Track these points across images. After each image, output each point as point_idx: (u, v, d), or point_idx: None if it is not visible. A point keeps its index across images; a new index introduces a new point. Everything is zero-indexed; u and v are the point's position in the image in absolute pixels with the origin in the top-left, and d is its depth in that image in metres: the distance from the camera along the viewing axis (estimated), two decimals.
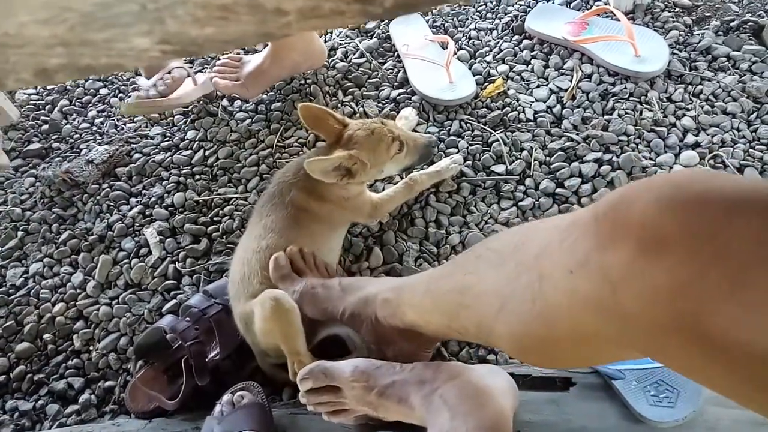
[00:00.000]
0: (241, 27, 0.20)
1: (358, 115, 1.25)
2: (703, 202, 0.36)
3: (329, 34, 1.46)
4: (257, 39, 0.21)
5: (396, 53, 1.37)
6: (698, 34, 1.25)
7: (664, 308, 0.37)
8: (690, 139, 1.10)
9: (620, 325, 0.41)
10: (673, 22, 1.28)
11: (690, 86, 1.17)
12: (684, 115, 1.13)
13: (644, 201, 0.39)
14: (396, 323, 0.75)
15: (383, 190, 1.09)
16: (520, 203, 1.07)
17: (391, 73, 1.33)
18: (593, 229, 0.42)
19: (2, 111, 1.42)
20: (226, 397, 0.85)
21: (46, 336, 1.08)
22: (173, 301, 1.06)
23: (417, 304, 0.71)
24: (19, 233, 1.23)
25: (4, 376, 1.05)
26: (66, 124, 1.43)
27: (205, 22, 0.20)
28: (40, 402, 1.01)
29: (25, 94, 1.50)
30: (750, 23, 1.24)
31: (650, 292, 0.37)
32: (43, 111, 1.46)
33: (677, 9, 1.32)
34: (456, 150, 1.15)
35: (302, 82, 1.35)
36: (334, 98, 1.31)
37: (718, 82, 1.16)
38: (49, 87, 1.51)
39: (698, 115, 1.12)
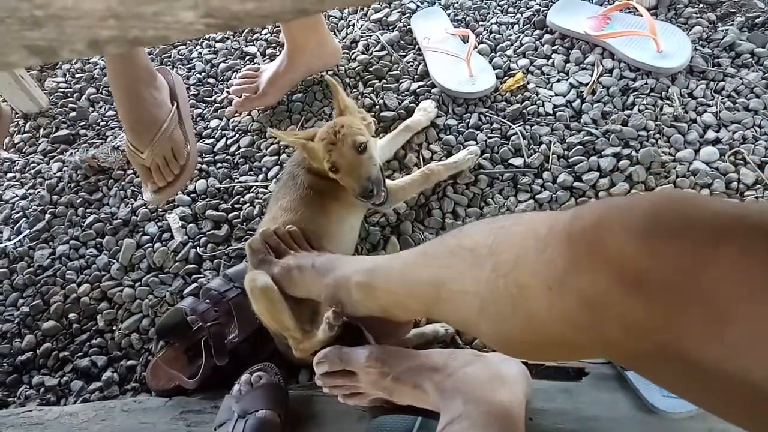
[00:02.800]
0: (279, 2, 0.21)
1: (377, 107, 1.27)
2: (680, 236, 0.35)
3: (351, 27, 1.47)
4: (293, 15, 0.22)
5: (417, 46, 1.38)
6: (722, 30, 1.24)
7: (644, 340, 0.37)
8: (711, 135, 1.09)
9: (603, 343, 0.41)
10: (697, 18, 1.27)
11: (712, 82, 1.17)
12: (705, 111, 1.13)
13: (619, 233, 0.37)
14: (370, 306, 0.73)
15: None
16: (537, 196, 1.07)
17: (412, 65, 1.34)
18: (568, 249, 0.41)
19: (33, 97, 1.46)
20: (244, 377, 0.87)
21: (72, 315, 1.11)
22: (194, 285, 1.09)
23: (392, 290, 0.69)
24: (47, 216, 1.27)
25: (31, 353, 1.09)
26: (93, 111, 1.46)
27: None
28: (65, 378, 1.05)
29: (54, 81, 1.54)
30: None
31: (630, 324, 0.37)
32: (71, 99, 1.50)
33: (701, 5, 1.30)
34: (474, 142, 1.16)
35: (323, 73, 1.36)
36: (354, 90, 1.32)
37: (741, 78, 1.15)
38: (76, 75, 1.55)
39: (719, 112, 1.12)
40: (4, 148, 1.41)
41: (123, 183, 1.29)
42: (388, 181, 1.05)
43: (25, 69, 1.48)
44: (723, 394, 0.35)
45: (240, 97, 1.32)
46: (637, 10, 1.26)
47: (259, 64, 1.41)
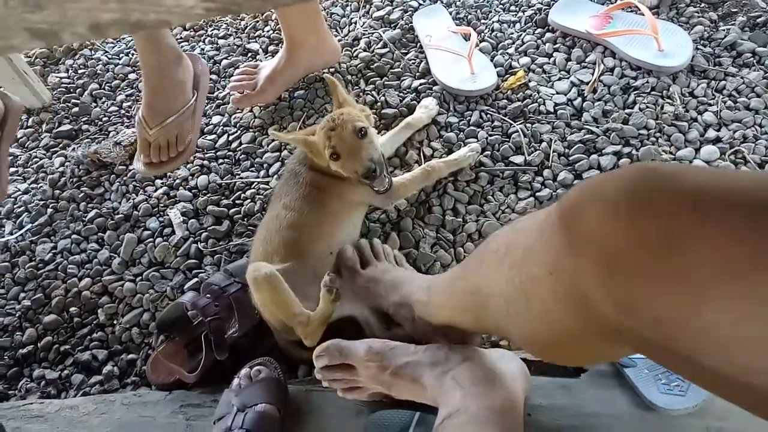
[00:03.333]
0: None
1: (379, 104, 1.27)
2: (660, 211, 0.33)
3: (353, 24, 1.47)
4: (294, 0, 0.22)
5: (419, 44, 1.38)
6: (723, 30, 1.24)
7: (632, 319, 0.36)
8: (711, 134, 1.09)
9: (603, 328, 0.40)
10: (699, 17, 1.28)
11: (713, 81, 1.17)
12: (706, 110, 1.13)
13: (596, 208, 0.36)
14: (431, 321, 0.77)
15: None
16: (537, 194, 1.08)
17: (414, 63, 1.34)
18: (559, 228, 0.41)
19: (35, 93, 1.46)
20: (243, 371, 0.87)
21: (73, 309, 1.12)
22: (195, 280, 1.10)
23: (445, 304, 0.73)
24: (49, 210, 1.27)
25: (32, 346, 1.09)
26: (95, 107, 1.47)
27: None
28: (66, 372, 1.06)
29: (56, 77, 1.54)
30: None
31: (617, 303, 0.36)
32: (73, 94, 1.51)
33: (703, 4, 1.31)
34: (475, 140, 1.16)
35: (325, 71, 1.37)
36: (356, 87, 1.33)
37: (742, 77, 1.16)
38: (79, 71, 1.56)
39: (720, 111, 1.12)
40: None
41: (125, 178, 1.29)
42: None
43: (28, 64, 1.48)
44: (709, 374, 0.34)
45: (239, 93, 1.32)
46: (639, 9, 1.26)
47: (261, 61, 1.41)
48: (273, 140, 1.27)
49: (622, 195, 0.35)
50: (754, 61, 1.18)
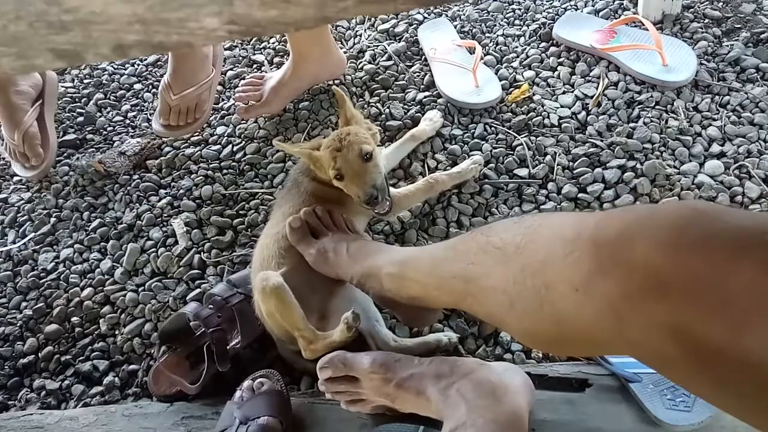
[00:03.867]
0: (302, 10, 0.22)
1: (383, 116, 1.27)
2: (702, 248, 0.37)
3: (358, 37, 1.48)
4: (316, 22, 0.23)
5: (423, 57, 1.39)
6: (727, 45, 1.25)
7: (667, 344, 0.39)
8: (715, 148, 1.09)
9: (627, 345, 0.43)
10: (702, 32, 1.28)
11: (717, 96, 1.17)
12: (710, 124, 1.13)
13: (645, 243, 0.40)
14: (401, 295, 0.76)
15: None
16: (541, 207, 1.08)
17: (418, 75, 1.35)
18: (594, 254, 0.44)
19: None
20: (246, 383, 0.87)
21: (74, 319, 1.11)
22: (197, 290, 1.09)
23: (422, 281, 0.71)
24: (52, 219, 1.27)
25: (32, 356, 1.09)
26: (100, 116, 1.47)
27: (270, 5, 0.22)
28: (66, 382, 1.05)
29: (62, 87, 1.55)
30: None
31: (653, 329, 0.39)
32: (78, 104, 1.51)
33: (707, 20, 1.31)
34: (480, 152, 1.16)
35: (330, 82, 1.37)
36: (360, 99, 1.33)
37: (746, 93, 1.16)
38: (85, 81, 1.56)
39: (724, 125, 1.12)
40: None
41: (129, 188, 1.29)
42: (392, 190, 1.05)
43: None
44: (737, 390, 0.36)
45: (244, 104, 1.33)
46: (643, 24, 1.27)
47: (266, 72, 1.42)
48: (277, 151, 1.27)
49: (670, 231, 0.39)
50: (758, 76, 1.19)
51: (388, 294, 0.78)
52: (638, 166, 1.09)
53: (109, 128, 1.44)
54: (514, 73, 1.30)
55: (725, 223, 0.37)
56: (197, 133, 1.36)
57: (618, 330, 0.42)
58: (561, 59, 1.31)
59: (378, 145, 1.03)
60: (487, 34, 1.41)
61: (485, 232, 0.61)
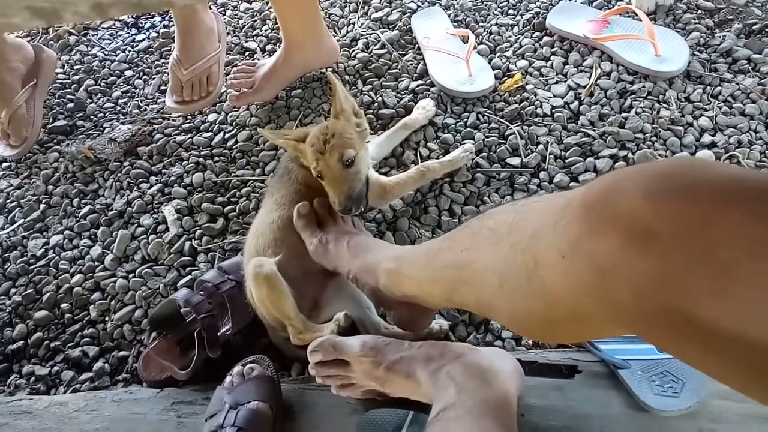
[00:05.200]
0: None
1: (376, 105, 1.27)
2: (689, 196, 0.36)
3: (351, 25, 1.47)
4: None
5: (416, 45, 1.38)
6: (720, 36, 1.25)
7: (651, 298, 0.37)
8: (706, 138, 1.10)
9: (612, 308, 0.42)
10: (695, 23, 1.28)
11: (709, 87, 1.18)
12: (701, 115, 1.14)
13: (632, 193, 0.39)
14: (396, 292, 0.75)
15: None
16: (533, 195, 1.08)
17: (411, 64, 1.35)
18: (583, 215, 0.42)
19: None
20: (236, 369, 0.87)
21: (64, 305, 1.11)
22: (188, 277, 1.09)
23: (417, 276, 0.71)
24: (42, 206, 1.27)
25: (22, 342, 1.08)
26: (91, 103, 1.46)
27: None
28: (56, 368, 1.04)
29: None
30: None
31: (638, 282, 0.38)
32: (69, 90, 1.50)
33: (699, 11, 1.32)
34: (472, 141, 1.16)
35: (323, 70, 1.36)
36: (353, 87, 1.33)
37: (737, 83, 1.16)
38: (75, 67, 1.55)
39: (716, 116, 1.12)
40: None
41: (119, 175, 1.28)
42: (383, 178, 1.05)
43: None
44: (725, 354, 0.35)
45: (237, 91, 1.32)
46: (636, 15, 1.27)
47: (258, 59, 1.41)
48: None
49: (657, 180, 0.38)
50: (750, 67, 1.19)
51: (384, 291, 0.77)
52: (630, 155, 1.09)
53: (99, 114, 1.43)
54: (508, 63, 1.29)
55: (715, 173, 0.36)
56: (188, 120, 1.35)
57: (604, 292, 0.41)
58: (554, 49, 1.31)
59: (371, 134, 1.02)
60: (481, 23, 1.41)
61: (480, 217, 0.60)
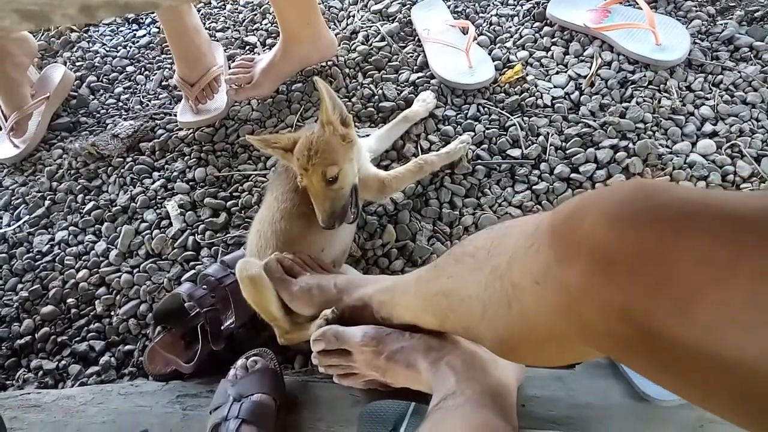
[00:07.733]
0: None
1: (376, 97, 1.27)
2: (647, 222, 0.36)
3: (351, 18, 1.47)
4: None
5: (416, 37, 1.38)
6: (721, 24, 1.24)
7: (619, 322, 0.38)
8: (708, 128, 1.09)
9: (587, 333, 0.42)
10: (696, 11, 1.27)
11: (710, 76, 1.17)
12: (703, 104, 1.13)
13: (592, 219, 0.39)
14: (396, 321, 0.76)
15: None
16: (534, 187, 1.08)
17: (411, 56, 1.34)
18: (549, 241, 0.43)
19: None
20: (240, 362, 0.88)
21: (70, 300, 1.12)
22: (192, 272, 1.10)
23: (410, 305, 0.72)
24: (47, 202, 1.28)
25: (29, 337, 1.10)
26: (93, 99, 1.47)
27: None
28: (63, 362, 1.06)
29: None
30: None
31: (606, 307, 0.38)
32: (71, 86, 1.50)
33: None
34: (473, 133, 1.16)
35: (323, 64, 1.37)
36: (353, 80, 1.33)
37: (739, 72, 1.16)
38: (77, 64, 1.56)
39: (717, 105, 1.12)
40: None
41: (122, 170, 1.29)
42: (382, 172, 1.05)
43: None
44: (698, 377, 0.35)
45: (236, 86, 1.32)
46: (637, 3, 1.26)
47: (259, 54, 1.41)
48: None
49: (617, 206, 0.38)
50: (752, 55, 1.19)
51: (383, 323, 0.78)
52: (630, 145, 1.09)
53: (102, 111, 1.44)
54: (508, 54, 1.29)
55: (672, 197, 0.36)
56: None
57: (576, 316, 0.41)
58: (554, 39, 1.31)
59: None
60: (481, 14, 1.40)
61: (461, 243, 0.61)
